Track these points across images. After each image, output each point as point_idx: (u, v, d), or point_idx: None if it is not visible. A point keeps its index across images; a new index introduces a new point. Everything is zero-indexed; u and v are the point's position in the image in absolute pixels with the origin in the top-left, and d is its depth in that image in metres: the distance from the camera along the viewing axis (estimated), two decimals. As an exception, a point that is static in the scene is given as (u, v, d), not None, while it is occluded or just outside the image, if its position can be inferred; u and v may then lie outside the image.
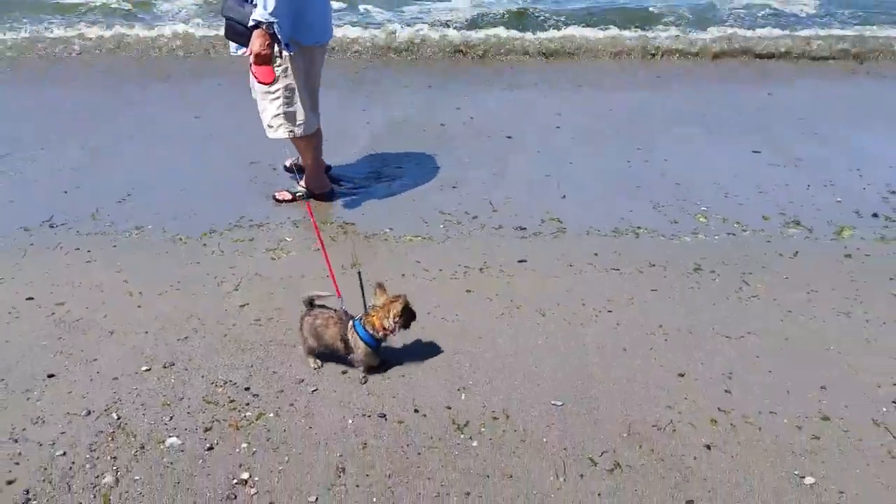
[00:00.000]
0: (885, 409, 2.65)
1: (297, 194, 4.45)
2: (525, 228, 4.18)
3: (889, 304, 3.36)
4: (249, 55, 3.62)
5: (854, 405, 2.67)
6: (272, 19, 3.48)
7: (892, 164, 5.04)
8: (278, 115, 4.02)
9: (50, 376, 2.85)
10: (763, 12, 8.82)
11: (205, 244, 3.96)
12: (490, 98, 6.42)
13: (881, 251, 3.87)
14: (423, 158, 5.19)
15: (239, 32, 3.65)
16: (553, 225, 4.22)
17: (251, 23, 3.52)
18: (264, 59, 3.60)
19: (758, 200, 4.53)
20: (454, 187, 4.74)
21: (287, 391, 2.78)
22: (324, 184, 4.49)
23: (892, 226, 4.16)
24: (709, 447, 2.48)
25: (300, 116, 4.05)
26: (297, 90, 3.96)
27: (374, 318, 2.73)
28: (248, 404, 2.70)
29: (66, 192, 4.59)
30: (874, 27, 8.16)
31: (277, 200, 4.45)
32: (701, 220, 4.27)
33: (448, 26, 8.34)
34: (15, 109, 5.99)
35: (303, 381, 2.84)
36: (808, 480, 2.33)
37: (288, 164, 4.53)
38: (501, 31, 8.02)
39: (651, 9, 8.83)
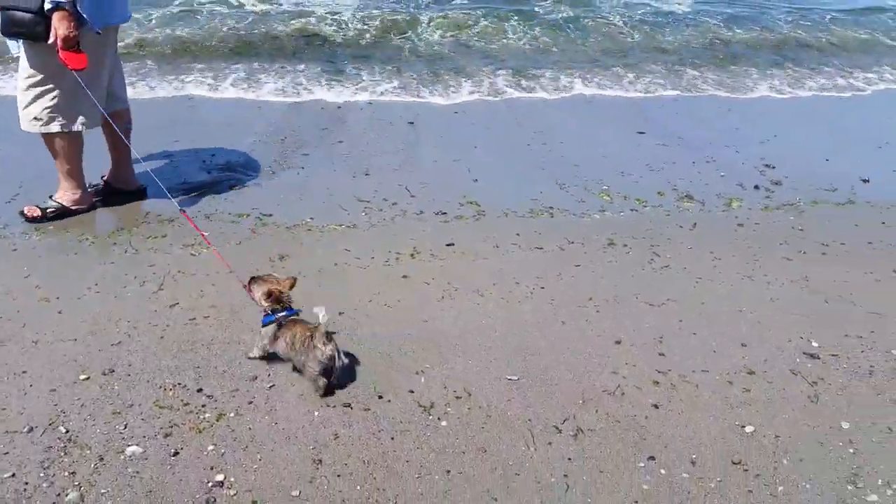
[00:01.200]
0: (798, 360, 3.00)
1: (48, 210, 3.88)
2: (446, 213, 4.27)
3: (783, 267, 3.77)
4: (55, 42, 3.32)
5: (772, 359, 3.00)
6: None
7: (761, 141, 5.60)
8: (50, 106, 3.62)
9: (-26, 394, 2.62)
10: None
11: (115, 243, 3.74)
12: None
13: (768, 219, 4.32)
14: (328, 145, 5.15)
15: (18, 22, 3.33)
16: (472, 208, 4.34)
17: (48, 5, 3.25)
18: (73, 43, 3.32)
19: (651, 177, 4.88)
20: (367, 174, 4.75)
21: (242, 389, 2.72)
22: (83, 198, 3.96)
23: (773, 196, 4.65)
24: (656, 406, 2.71)
25: (79, 110, 3.68)
26: (80, 81, 3.53)
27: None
28: (203, 406, 2.62)
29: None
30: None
31: (27, 217, 3.85)
32: (605, 198, 4.56)
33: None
34: None
35: (256, 377, 2.79)
36: (749, 429, 2.61)
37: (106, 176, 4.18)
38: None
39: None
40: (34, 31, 3.38)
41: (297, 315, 2.79)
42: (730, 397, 2.77)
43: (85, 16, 3.33)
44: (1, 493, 2.21)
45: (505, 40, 7.92)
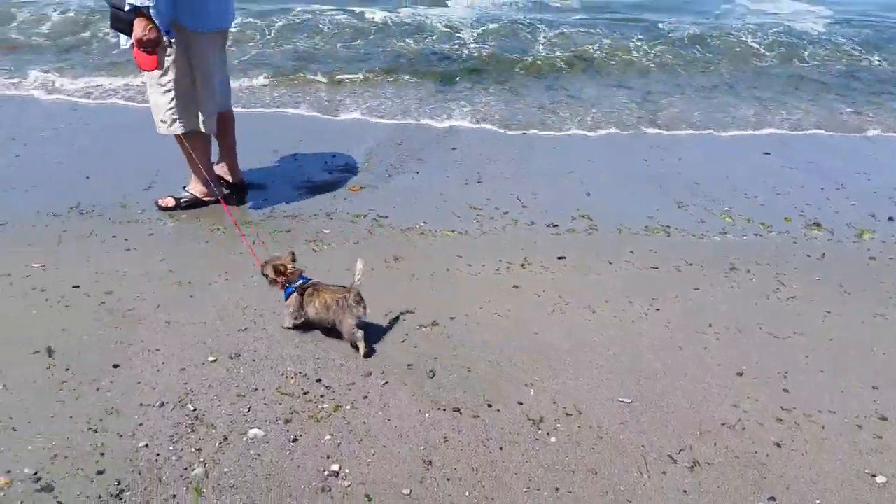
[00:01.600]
0: (938, 409, 2.79)
1: (182, 199, 4.15)
2: (558, 225, 4.23)
3: (921, 308, 3.52)
4: (133, 42, 3.42)
5: (908, 405, 2.80)
6: (147, 3, 3.28)
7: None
8: (171, 108, 3.77)
9: (115, 366, 2.82)
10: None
11: (245, 233, 3.93)
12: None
13: (904, 255, 4.05)
14: (442, 152, 5.22)
15: (121, 19, 3.40)
16: (584, 222, 4.29)
17: (127, 7, 3.31)
18: (146, 45, 3.39)
19: (776, 201, 4.66)
20: (479, 182, 4.78)
21: (358, 384, 2.79)
22: (212, 190, 4.09)
23: (910, 230, 4.34)
24: (779, 444, 2.58)
25: (197, 111, 3.85)
26: (193, 81, 3.75)
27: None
28: (322, 396, 2.71)
29: (88, 178, 4.51)
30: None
31: (160, 207, 4.13)
32: (727, 219, 4.39)
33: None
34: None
35: (371, 373, 2.85)
36: (880, 480, 2.44)
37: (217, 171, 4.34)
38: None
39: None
40: (116, 27, 3.48)
41: (312, 281, 3.06)
42: (859, 442, 2.60)
43: (157, 22, 3.37)
44: (137, 462, 2.36)
45: (628, 58, 7.78)
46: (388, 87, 6.63)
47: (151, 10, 3.30)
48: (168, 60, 3.64)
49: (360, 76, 6.78)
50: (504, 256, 3.84)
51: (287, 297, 3.05)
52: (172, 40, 3.53)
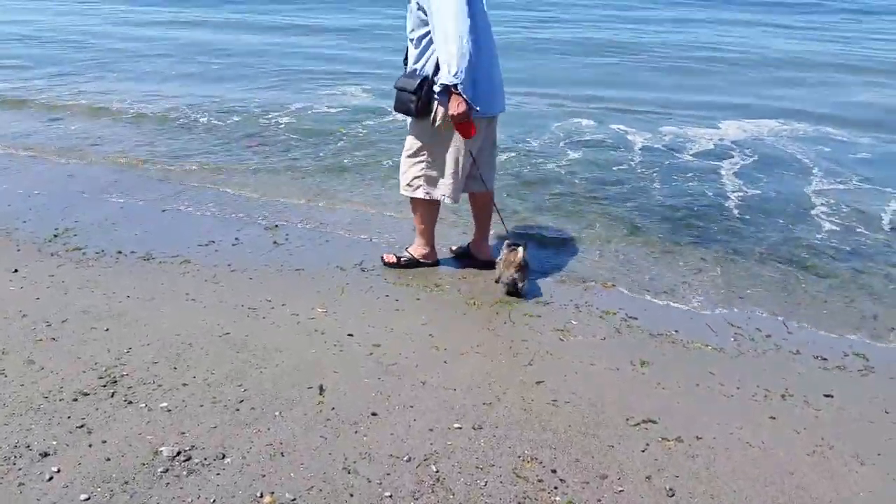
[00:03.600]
0: None
1: (402, 258, 4.62)
2: (826, 359, 3.87)
3: None
4: (432, 120, 4.03)
5: None
6: (456, 81, 3.75)
7: None
8: (420, 175, 4.27)
9: (373, 414, 3.10)
10: None
11: (497, 312, 4.14)
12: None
13: None
14: (705, 257, 5.06)
15: (402, 100, 4.03)
16: (858, 361, 3.87)
17: (438, 87, 3.90)
18: (461, 118, 3.86)
19: None
20: (741, 298, 4.55)
21: (592, 484, 2.77)
22: (430, 254, 4.62)
23: None
24: None
25: (446, 182, 4.25)
26: (449, 158, 4.18)
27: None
28: (555, 488, 2.73)
29: (371, 240, 5.07)
30: None
31: (384, 262, 4.63)
32: None
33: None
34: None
35: (606, 476, 2.81)
36: None
37: (454, 249, 4.81)
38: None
39: None
40: (410, 109, 4.03)
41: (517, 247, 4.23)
42: None
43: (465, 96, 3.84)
44: (381, 509, 2.56)
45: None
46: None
47: (460, 87, 3.78)
48: (425, 137, 4.20)
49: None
50: (762, 382, 3.60)
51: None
52: (477, 108, 3.95)
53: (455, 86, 3.78)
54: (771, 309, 4.40)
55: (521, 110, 8.75)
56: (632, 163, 7.04)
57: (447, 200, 4.34)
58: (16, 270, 4.30)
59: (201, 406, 3.13)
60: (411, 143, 4.28)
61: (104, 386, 3.24)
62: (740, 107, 9.36)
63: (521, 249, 4.17)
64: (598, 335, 3.97)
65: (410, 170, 4.32)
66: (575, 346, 3.84)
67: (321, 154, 6.99)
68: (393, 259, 4.65)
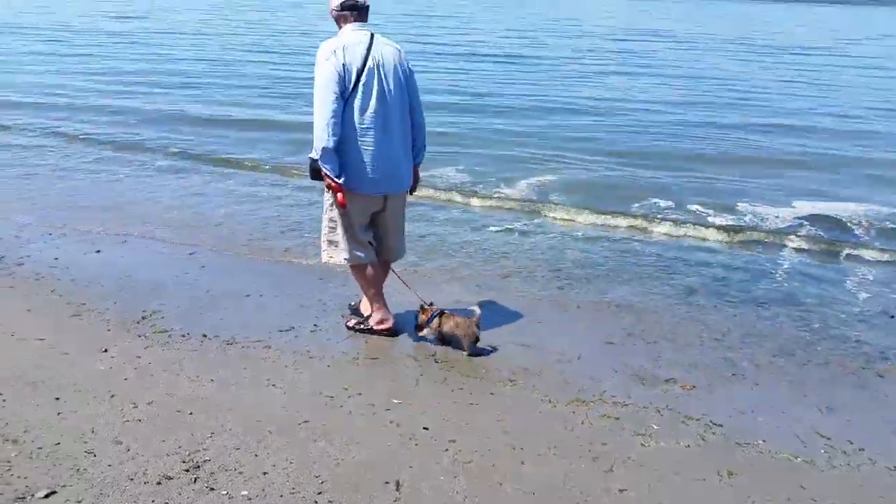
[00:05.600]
0: None
1: (357, 324, 4.90)
2: (928, 479, 3.63)
3: None
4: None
5: None
6: (315, 156, 4.29)
7: None
8: (325, 241, 4.66)
9: (451, 515, 3.04)
10: None
11: (573, 412, 4.06)
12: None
13: None
14: (787, 361, 4.87)
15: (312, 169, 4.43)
16: (965, 483, 3.61)
17: (311, 161, 4.38)
18: (328, 187, 4.41)
19: None
20: (829, 408, 4.34)
21: None
22: (382, 320, 4.80)
23: None
24: None
25: (342, 246, 4.58)
26: (338, 223, 4.54)
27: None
28: None
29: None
30: None
31: (347, 325, 4.92)
32: None
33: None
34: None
35: None
36: None
37: (352, 304, 5.14)
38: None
39: None
40: (313, 177, 4.43)
41: (446, 312, 4.69)
42: None
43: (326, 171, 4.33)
44: None
45: None
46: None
47: (319, 162, 4.29)
48: (326, 202, 4.61)
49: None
50: (858, 501, 3.39)
51: (432, 319, 4.68)
52: (340, 180, 4.35)
53: (315, 160, 4.30)
54: (862, 419, 4.19)
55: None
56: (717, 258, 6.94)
57: (356, 262, 4.65)
58: (105, 350, 4.48)
59: (281, 496, 3.14)
60: (324, 207, 4.68)
61: (187, 471, 3.29)
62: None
63: (476, 312, 4.64)
64: (682, 442, 3.84)
65: (322, 236, 4.72)
66: (658, 452, 3.72)
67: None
68: (351, 322, 4.94)
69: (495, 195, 8.77)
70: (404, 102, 4.43)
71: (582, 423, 3.94)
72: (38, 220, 7.09)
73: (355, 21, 4.36)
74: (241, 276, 5.84)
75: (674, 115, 14.65)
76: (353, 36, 4.31)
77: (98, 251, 6.31)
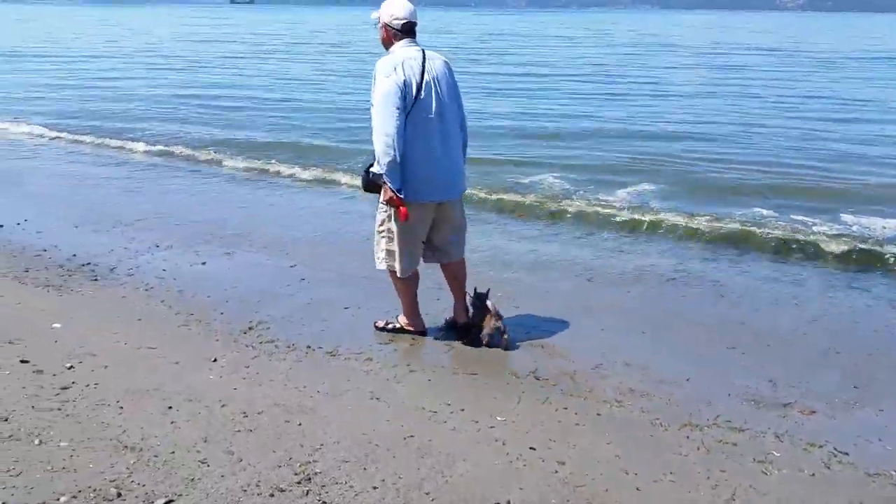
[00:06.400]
0: None
1: (388, 324, 5.07)
2: None
3: None
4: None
5: None
6: (381, 171, 4.36)
7: None
8: (384, 249, 4.74)
9: (566, 541, 2.93)
10: None
11: (687, 436, 3.88)
12: None
13: None
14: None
15: (363, 180, 4.63)
16: None
17: (370, 175, 4.49)
18: (390, 204, 4.50)
19: None
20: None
21: None
22: (416, 323, 5.02)
23: None
24: None
25: (397, 257, 4.68)
26: (396, 234, 4.64)
27: None
28: None
29: (542, 347, 4.98)
30: None
31: (376, 326, 5.10)
32: None
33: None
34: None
35: None
36: None
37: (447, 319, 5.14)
38: None
39: None
40: (363, 184, 4.63)
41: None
42: None
43: (390, 185, 4.39)
44: None
45: None
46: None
47: (384, 178, 4.37)
48: (382, 214, 4.72)
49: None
50: None
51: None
52: (401, 194, 4.42)
53: (380, 175, 4.37)
54: None
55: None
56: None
57: (406, 273, 4.76)
58: (215, 360, 4.59)
59: (392, 512, 3.11)
60: (377, 217, 4.78)
61: (299, 483, 3.31)
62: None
63: (489, 302, 4.84)
64: (806, 470, 3.60)
65: (378, 244, 4.81)
66: (780, 481, 3.50)
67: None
68: (381, 324, 5.09)
69: (600, 202, 8.77)
70: (455, 113, 4.62)
71: (698, 448, 3.76)
72: (145, 232, 7.41)
73: (406, 37, 4.52)
74: (339, 288, 5.91)
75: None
76: (407, 52, 4.46)
77: (203, 263, 6.52)
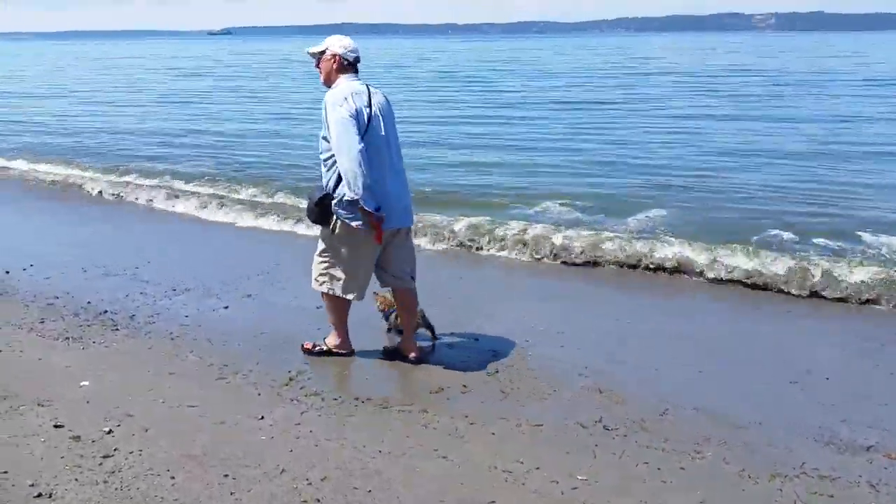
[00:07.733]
0: None
1: (316, 347, 5.14)
2: None
3: None
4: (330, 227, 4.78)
5: None
6: (356, 196, 4.44)
7: None
8: (324, 273, 4.87)
9: None
10: None
11: (779, 489, 3.67)
12: None
13: None
14: None
15: (308, 209, 4.84)
16: None
17: (343, 199, 4.60)
18: (372, 227, 4.58)
19: None
20: None
21: None
22: (343, 344, 5.11)
23: None
24: None
25: (342, 281, 4.82)
26: (348, 263, 4.78)
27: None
28: None
29: (600, 391, 4.75)
30: None
31: (303, 348, 5.17)
32: None
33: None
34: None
35: None
36: None
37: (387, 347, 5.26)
38: None
39: None
40: (311, 217, 4.78)
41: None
42: None
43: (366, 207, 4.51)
44: None
45: None
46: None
47: (361, 202, 4.47)
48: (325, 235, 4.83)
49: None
50: None
51: (388, 315, 5.44)
52: (383, 214, 4.58)
53: (356, 201, 4.46)
54: None
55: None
56: None
57: (349, 297, 4.88)
58: (262, 417, 4.31)
59: None
60: (319, 244, 4.89)
61: (383, 561, 3.03)
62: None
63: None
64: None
65: (318, 267, 4.91)
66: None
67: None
68: (309, 346, 5.16)
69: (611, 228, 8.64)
70: (398, 146, 4.80)
71: (794, 501, 3.55)
72: (158, 276, 7.09)
73: (351, 71, 4.70)
74: (373, 331, 5.62)
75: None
76: (352, 85, 4.62)
77: (226, 307, 6.23)
